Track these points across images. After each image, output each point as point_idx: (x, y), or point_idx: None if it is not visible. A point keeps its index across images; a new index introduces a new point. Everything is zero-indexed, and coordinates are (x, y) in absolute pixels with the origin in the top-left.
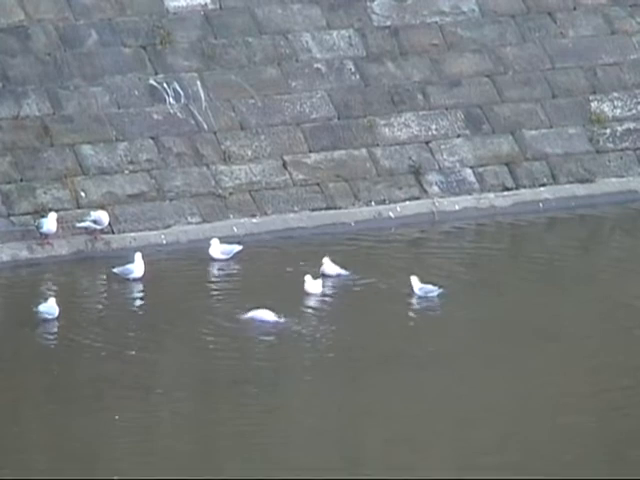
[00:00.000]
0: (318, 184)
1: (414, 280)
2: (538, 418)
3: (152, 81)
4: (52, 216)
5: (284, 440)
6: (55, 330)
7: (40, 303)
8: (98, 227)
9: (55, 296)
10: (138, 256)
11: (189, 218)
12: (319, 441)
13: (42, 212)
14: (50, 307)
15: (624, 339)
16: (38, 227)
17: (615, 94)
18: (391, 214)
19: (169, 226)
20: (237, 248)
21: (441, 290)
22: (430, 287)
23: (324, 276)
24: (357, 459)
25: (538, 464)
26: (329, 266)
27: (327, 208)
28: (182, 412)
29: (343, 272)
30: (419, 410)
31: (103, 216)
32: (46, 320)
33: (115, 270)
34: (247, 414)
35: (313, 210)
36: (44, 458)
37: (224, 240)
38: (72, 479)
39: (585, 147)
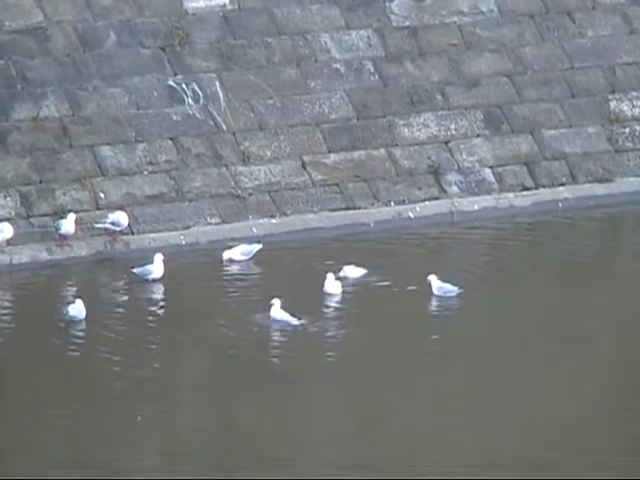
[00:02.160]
0: (337, 184)
1: (433, 279)
2: (556, 417)
3: (171, 82)
4: (71, 217)
5: (302, 440)
6: (77, 331)
7: (67, 305)
8: (117, 229)
9: (80, 297)
10: (158, 257)
11: (208, 219)
12: (338, 441)
13: (61, 213)
14: (77, 309)
15: None
16: (57, 228)
17: (634, 93)
18: (410, 214)
19: (188, 227)
20: (257, 247)
21: (460, 290)
22: (449, 287)
23: (343, 278)
24: (376, 459)
25: (555, 464)
26: (350, 270)
27: (346, 208)
28: (202, 412)
29: (362, 273)
30: (440, 412)
31: (122, 217)
32: (73, 322)
33: (135, 270)
34: (266, 414)
35: (332, 210)
36: (63, 459)
37: (243, 241)
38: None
39: (604, 146)
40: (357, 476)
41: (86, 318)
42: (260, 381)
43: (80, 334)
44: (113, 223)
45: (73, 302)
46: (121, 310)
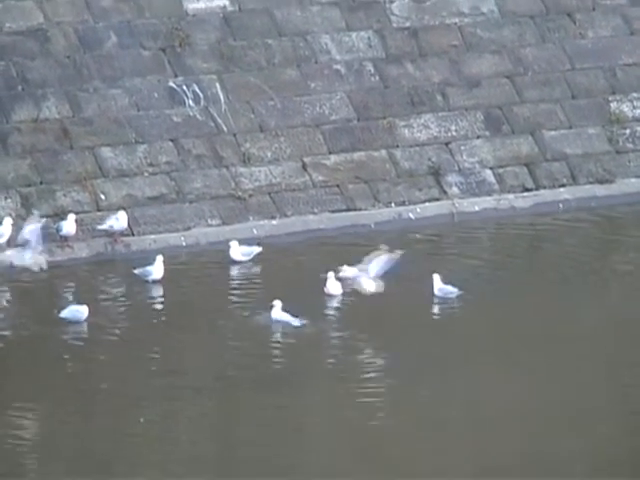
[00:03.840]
0: (338, 185)
1: (436, 278)
2: (559, 423)
3: (171, 83)
4: (71, 218)
5: (302, 443)
6: (77, 332)
7: (67, 306)
8: (117, 230)
9: (79, 299)
10: (159, 258)
11: (209, 220)
12: (336, 444)
13: (62, 215)
14: (77, 311)
15: None
16: (57, 230)
17: (634, 94)
18: (411, 215)
19: (189, 228)
20: (257, 250)
21: (460, 292)
22: (450, 288)
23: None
24: (374, 463)
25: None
26: (349, 271)
27: (347, 209)
28: (203, 414)
29: (362, 274)
30: (440, 414)
31: (121, 219)
32: (73, 323)
33: (135, 271)
34: (267, 416)
35: (333, 211)
36: (65, 460)
37: (244, 242)
38: None
39: (605, 147)
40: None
41: (86, 319)
42: (261, 383)
43: (80, 335)
44: (113, 226)
45: (74, 304)
46: (121, 311)
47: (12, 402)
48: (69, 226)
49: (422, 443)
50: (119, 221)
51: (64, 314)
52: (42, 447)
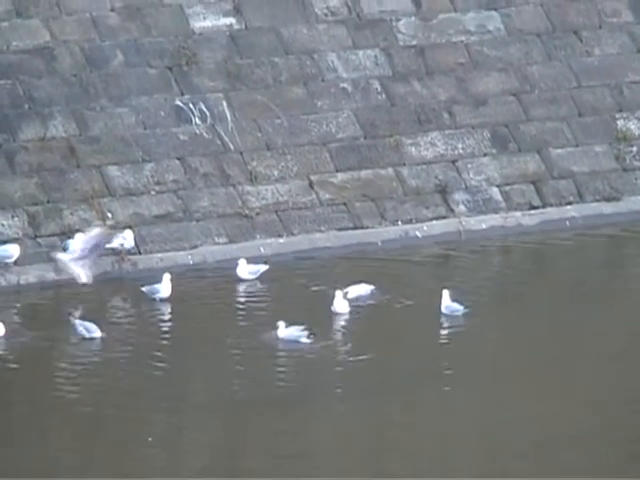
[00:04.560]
0: (345, 204)
1: (445, 295)
2: (568, 437)
3: (178, 102)
4: (78, 237)
5: (310, 460)
6: (85, 350)
7: (80, 324)
8: (125, 249)
9: (87, 317)
10: (166, 277)
11: (216, 238)
12: (346, 462)
13: (69, 233)
14: (90, 327)
15: None
16: (64, 248)
17: None
18: (418, 233)
19: (196, 246)
20: (264, 268)
21: (467, 310)
22: (456, 306)
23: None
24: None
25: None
26: (355, 290)
27: (354, 228)
28: (211, 432)
29: (369, 292)
30: (447, 430)
31: (128, 238)
32: (85, 339)
33: (143, 289)
34: (275, 435)
35: (340, 230)
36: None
37: (251, 260)
38: None
39: (611, 165)
40: None
41: (100, 337)
42: (268, 402)
43: (88, 353)
44: (122, 245)
45: (85, 321)
46: (128, 330)
47: (21, 418)
48: (76, 245)
49: (438, 461)
50: (127, 240)
51: (77, 329)
52: (48, 467)
